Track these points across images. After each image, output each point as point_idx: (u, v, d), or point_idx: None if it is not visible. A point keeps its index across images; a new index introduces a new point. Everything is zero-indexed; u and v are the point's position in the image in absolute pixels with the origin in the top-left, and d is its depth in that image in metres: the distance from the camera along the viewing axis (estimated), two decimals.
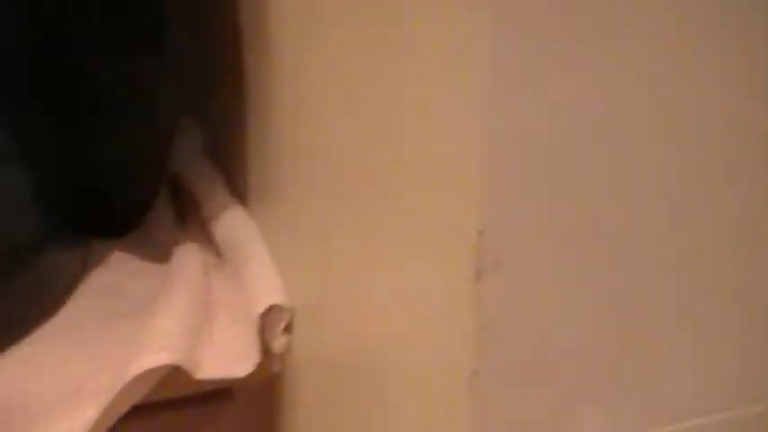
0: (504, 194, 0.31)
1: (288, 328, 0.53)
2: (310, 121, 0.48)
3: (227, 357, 0.52)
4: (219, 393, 0.55)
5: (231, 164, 0.62)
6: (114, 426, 0.49)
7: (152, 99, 0.52)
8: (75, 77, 0.53)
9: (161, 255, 0.59)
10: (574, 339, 0.34)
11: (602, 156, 0.33)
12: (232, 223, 0.58)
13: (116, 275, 0.58)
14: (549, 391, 0.34)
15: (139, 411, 0.50)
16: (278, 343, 0.53)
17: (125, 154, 0.55)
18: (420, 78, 0.35)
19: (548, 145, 0.32)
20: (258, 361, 0.52)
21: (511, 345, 0.32)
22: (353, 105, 0.42)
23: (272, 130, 0.54)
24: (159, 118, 0.52)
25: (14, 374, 0.50)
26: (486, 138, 0.30)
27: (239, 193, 0.61)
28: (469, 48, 0.31)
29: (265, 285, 0.53)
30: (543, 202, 0.32)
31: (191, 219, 0.62)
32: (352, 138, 0.42)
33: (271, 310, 0.52)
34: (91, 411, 0.49)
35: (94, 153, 0.56)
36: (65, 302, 0.56)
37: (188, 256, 0.58)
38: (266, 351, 0.53)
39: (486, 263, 0.30)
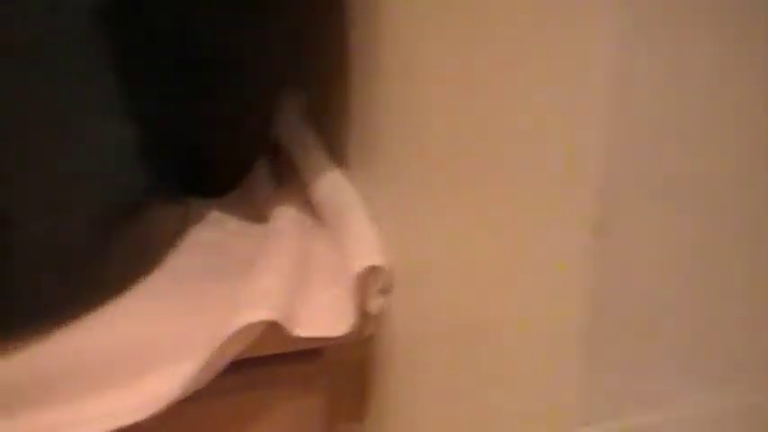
0: (625, 152, 0.31)
1: (385, 290, 0.53)
2: (420, 82, 0.48)
3: (323, 317, 0.53)
4: (311, 352, 0.56)
5: (331, 128, 0.62)
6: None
7: (256, 58, 0.52)
8: (180, 34, 0.53)
9: (259, 215, 0.60)
10: (675, 297, 0.34)
11: (717, 119, 0.33)
12: (331, 186, 0.58)
13: (216, 234, 0.59)
14: (653, 347, 0.34)
15: (235, 366, 0.51)
16: (374, 304, 0.54)
17: (229, 113, 0.56)
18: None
19: (666, 107, 0.31)
20: (354, 322, 0.53)
21: (623, 302, 0.32)
22: (469, 67, 0.42)
23: (376, 94, 0.54)
24: (263, 78, 0.53)
25: (118, 326, 0.51)
26: (611, 94, 0.30)
27: (339, 157, 0.61)
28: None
29: (364, 247, 0.54)
30: (661, 162, 0.32)
31: (289, 181, 0.63)
32: (467, 97, 0.42)
33: (368, 272, 0.53)
34: (191, 364, 0.50)
35: (198, 111, 0.56)
36: (166, 258, 0.57)
37: (286, 217, 0.58)
38: (362, 312, 0.54)
39: (605, 220, 0.30)
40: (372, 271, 0.53)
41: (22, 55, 0.44)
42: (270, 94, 0.54)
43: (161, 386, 0.50)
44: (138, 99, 0.52)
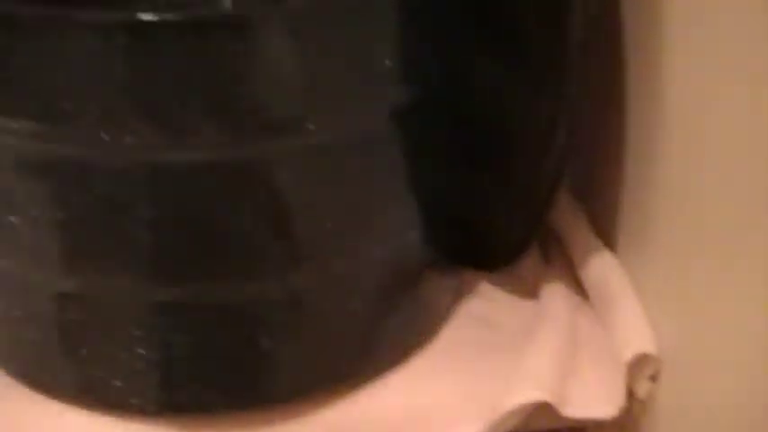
0: None
1: (654, 376, 0.55)
2: (700, 164, 0.49)
3: (593, 397, 0.54)
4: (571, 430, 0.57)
5: (596, 205, 0.64)
6: None
7: (548, 133, 0.54)
8: (469, 104, 0.56)
9: (529, 290, 0.62)
10: None
11: None
12: (601, 267, 0.60)
13: (487, 307, 0.62)
14: None
15: None
16: (642, 389, 0.55)
17: (513, 189, 0.58)
18: None
19: None
20: (623, 405, 0.54)
21: None
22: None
23: (652, 175, 0.55)
24: (551, 154, 0.55)
25: (390, 398, 0.55)
26: None
27: (606, 235, 0.62)
28: None
29: (634, 332, 0.55)
30: None
31: (556, 257, 0.65)
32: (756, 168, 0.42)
33: (639, 358, 0.54)
34: None
35: (477, 184, 0.59)
36: (439, 331, 0.60)
37: (555, 295, 0.60)
38: (630, 396, 0.55)
39: None
40: (643, 358, 0.54)
41: (335, 154, 0.49)
42: (554, 173, 0.55)
43: None
44: (424, 178, 0.55)
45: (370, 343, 0.56)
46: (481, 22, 0.53)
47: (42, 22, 0.44)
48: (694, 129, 0.50)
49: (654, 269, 0.56)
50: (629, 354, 0.54)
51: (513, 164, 0.57)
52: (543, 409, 0.53)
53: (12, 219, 0.50)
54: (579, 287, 0.62)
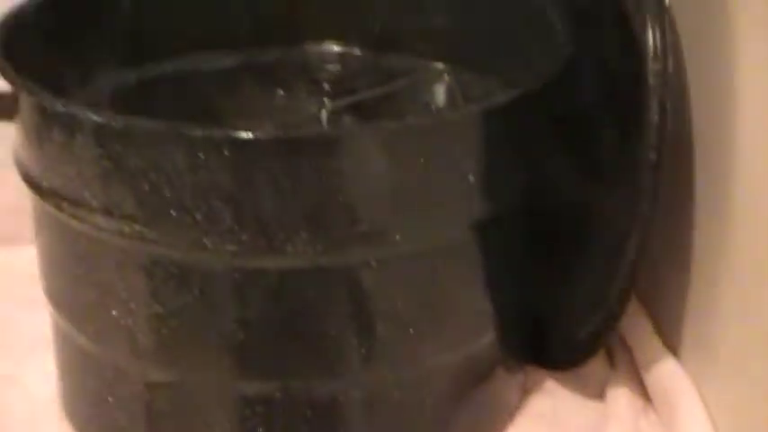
0: None
1: None
2: None
3: None
4: None
5: (662, 308, 0.66)
6: None
7: (621, 245, 0.56)
8: (545, 216, 0.59)
9: (594, 391, 0.64)
10: None
11: None
12: (664, 372, 0.62)
13: (553, 406, 0.64)
14: None
15: None
16: None
17: (585, 294, 0.60)
18: None
19: None
20: None
21: None
22: None
23: (718, 279, 0.57)
24: (623, 264, 0.57)
25: None
26: None
27: (670, 340, 0.64)
28: None
29: None
30: None
31: (621, 359, 0.67)
32: None
33: None
34: None
35: (553, 289, 0.62)
36: (507, 426, 0.62)
37: (620, 398, 0.62)
38: None
39: None
40: None
41: (418, 262, 0.52)
42: (629, 274, 0.58)
43: None
44: (500, 284, 0.58)
45: None
46: (562, 143, 0.56)
47: (157, 136, 0.48)
48: (759, 244, 0.52)
49: (717, 374, 0.58)
50: None
51: (586, 272, 0.60)
52: None
53: (113, 312, 0.53)
54: (644, 391, 0.64)
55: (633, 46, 0.55)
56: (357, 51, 0.70)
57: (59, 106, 0.50)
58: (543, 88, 0.53)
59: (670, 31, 0.54)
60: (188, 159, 0.48)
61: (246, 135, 0.47)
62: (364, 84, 0.68)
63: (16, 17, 0.58)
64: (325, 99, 0.67)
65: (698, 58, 0.58)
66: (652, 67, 0.53)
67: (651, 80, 0.53)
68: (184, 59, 0.70)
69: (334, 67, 0.70)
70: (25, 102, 0.53)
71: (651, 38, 0.54)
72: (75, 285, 0.55)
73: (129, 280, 0.52)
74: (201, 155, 0.47)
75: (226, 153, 0.47)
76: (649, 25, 0.54)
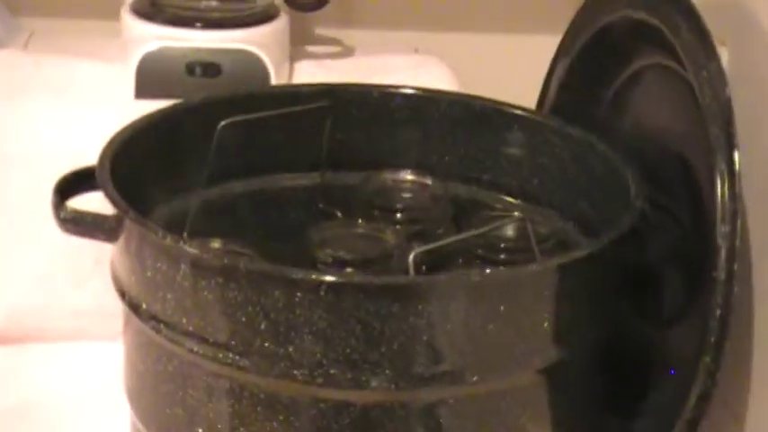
0: None
1: None
2: None
3: None
4: None
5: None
6: None
7: (683, 389, 0.59)
8: (611, 361, 0.62)
9: None
10: None
11: None
12: None
13: None
14: None
15: None
16: None
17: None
18: None
19: None
20: None
21: None
22: None
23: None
24: (687, 405, 0.59)
25: None
26: None
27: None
28: None
29: None
30: None
31: None
32: None
33: None
34: None
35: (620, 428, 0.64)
36: None
37: None
38: None
39: None
40: None
41: (489, 401, 0.55)
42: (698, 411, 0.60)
43: None
44: (568, 422, 0.60)
45: None
46: (632, 296, 0.59)
47: (259, 275, 0.52)
48: None
49: None
50: None
51: (647, 417, 0.62)
52: None
53: (199, 431, 0.56)
54: None
55: (702, 205, 0.58)
56: (429, 181, 0.73)
57: (168, 240, 0.53)
58: (620, 240, 0.56)
59: (739, 196, 0.57)
60: (286, 297, 0.51)
61: (342, 279, 0.51)
62: (436, 213, 0.71)
63: (123, 142, 0.62)
64: (398, 227, 0.70)
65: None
66: (720, 228, 0.56)
67: (719, 241, 0.56)
68: (266, 178, 0.73)
69: (406, 195, 0.73)
70: (131, 229, 0.56)
71: (720, 200, 0.57)
72: (162, 401, 0.58)
73: (217, 402, 0.55)
74: (299, 294, 0.51)
75: (322, 294, 0.51)
76: (718, 187, 0.57)
